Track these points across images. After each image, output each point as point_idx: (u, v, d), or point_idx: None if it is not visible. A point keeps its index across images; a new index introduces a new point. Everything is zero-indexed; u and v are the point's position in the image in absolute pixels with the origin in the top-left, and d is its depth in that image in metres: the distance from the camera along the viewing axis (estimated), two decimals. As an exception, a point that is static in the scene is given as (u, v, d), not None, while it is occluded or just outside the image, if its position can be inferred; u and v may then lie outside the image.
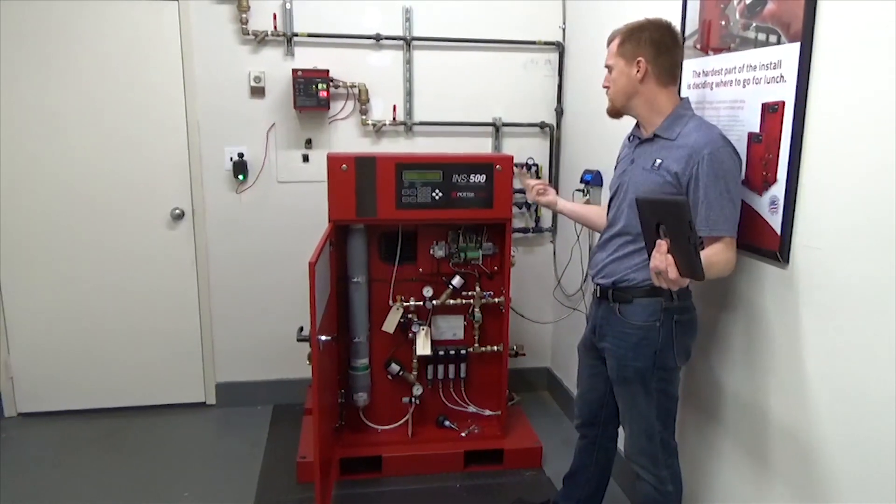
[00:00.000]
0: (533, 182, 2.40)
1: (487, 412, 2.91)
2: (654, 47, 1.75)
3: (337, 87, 3.05)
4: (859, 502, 1.45)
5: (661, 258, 1.42)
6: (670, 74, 1.78)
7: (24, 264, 3.02)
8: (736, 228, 1.68)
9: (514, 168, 2.65)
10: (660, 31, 1.77)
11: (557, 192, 3.31)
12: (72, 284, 3.07)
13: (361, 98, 3.08)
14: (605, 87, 1.90)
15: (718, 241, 1.68)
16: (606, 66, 1.88)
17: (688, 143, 1.70)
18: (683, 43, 2.04)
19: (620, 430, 2.05)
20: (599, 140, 2.80)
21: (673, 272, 1.41)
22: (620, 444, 2.11)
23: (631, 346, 1.83)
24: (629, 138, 1.96)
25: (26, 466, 2.72)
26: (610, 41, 1.87)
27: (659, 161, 1.75)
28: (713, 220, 1.66)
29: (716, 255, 1.67)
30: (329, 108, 3.03)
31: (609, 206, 1.98)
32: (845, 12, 1.44)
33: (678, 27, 2.08)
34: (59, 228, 3.02)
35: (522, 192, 3.29)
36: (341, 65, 3.05)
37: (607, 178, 2.72)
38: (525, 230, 3.34)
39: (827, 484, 1.55)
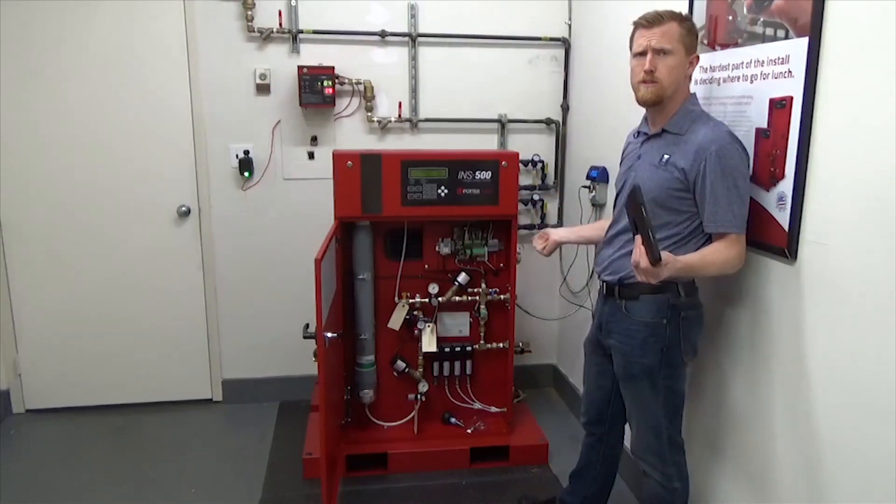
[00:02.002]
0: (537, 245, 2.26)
1: (493, 409, 2.91)
2: (697, 46, 1.75)
3: (342, 84, 3.05)
4: (865, 500, 1.44)
5: (637, 250, 1.51)
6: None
7: (32, 262, 3.03)
8: (744, 225, 1.68)
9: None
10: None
11: (563, 189, 3.33)
12: (79, 281, 3.08)
13: (367, 95, 3.08)
14: (650, 70, 1.70)
15: (723, 238, 1.68)
16: (661, 50, 1.68)
17: (696, 140, 1.69)
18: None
19: (627, 427, 2.04)
20: (605, 136, 2.79)
21: (644, 261, 1.49)
22: (627, 442, 2.10)
23: (638, 343, 1.82)
24: (635, 134, 1.95)
25: (34, 462, 2.74)
26: (658, 20, 1.68)
27: (667, 157, 1.74)
28: (720, 216, 1.66)
29: (713, 254, 1.68)
30: (334, 105, 3.03)
31: (615, 203, 1.98)
32: (853, 6, 1.43)
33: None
34: (66, 226, 3.03)
35: (528, 188, 3.29)
36: (346, 62, 3.05)
37: (613, 175, 2.71)
38: (531, 227, 3.33)
39: (833, 481, 1.54)
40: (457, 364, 2.85)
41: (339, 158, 2.51)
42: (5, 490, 2.52)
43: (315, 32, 3.01)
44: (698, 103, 1.80)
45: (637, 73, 1.75)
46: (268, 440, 2.94)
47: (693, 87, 2.02)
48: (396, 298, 2.75)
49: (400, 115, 3.15)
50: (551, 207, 3.36)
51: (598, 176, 2.78)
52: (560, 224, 3.36)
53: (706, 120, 1.73)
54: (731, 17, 1.86)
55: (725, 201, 1.65)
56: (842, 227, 1.48)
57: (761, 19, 1.73)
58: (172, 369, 3.23)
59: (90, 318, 3.12)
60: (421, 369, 2.81)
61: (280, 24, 2.98)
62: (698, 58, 1.75)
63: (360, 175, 2.51)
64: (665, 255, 1.55)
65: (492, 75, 3.20)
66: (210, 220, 3.13)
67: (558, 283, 3.37)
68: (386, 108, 3.15)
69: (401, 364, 2.80)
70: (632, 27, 1.79)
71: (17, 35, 2.84)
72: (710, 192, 1.66)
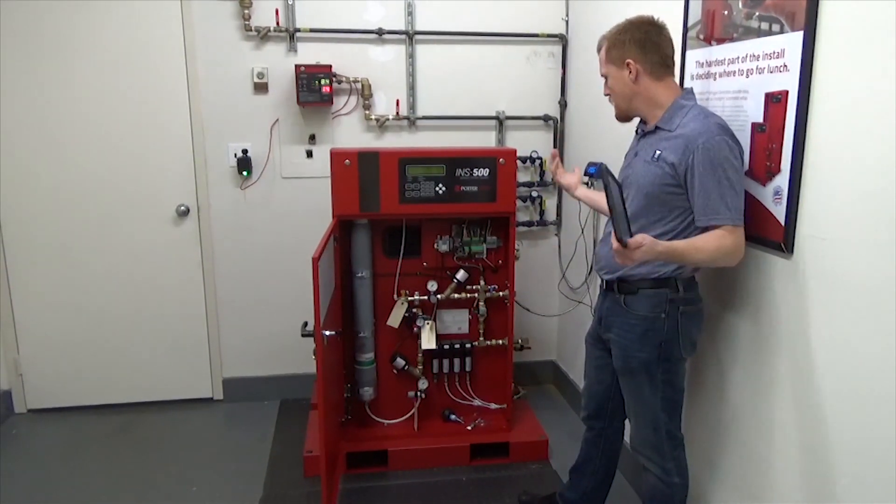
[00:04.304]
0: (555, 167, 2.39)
1: (493, 406, 2.91)
2: (639, 45, 1.76)
3: (340, 82, 3.05)
4: (866, 496, 1.45)
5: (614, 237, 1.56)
6: (662, 66, 1.78)
7: (32, 262, 3.04)
8: (740, 216, 1.66)
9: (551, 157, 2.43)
10: (641, 29, 1.77)
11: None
12: (79, 281, 3.09)
13: (364, 93, 3.08)
14: (606, 94, 1.91)
15: (717, 229, 1.67)
16: (602, 76, 1.88)
17: (684, 134, 1.69)
18: (685, 32, 2.03)
19: (627, 422, 2.05)
20: (603, 132, 2.79)
21: (614, 242, 1.52)
22: (627, 437, 2.10)
23: (636, 337, 1.82)
24: (636, 131, 1.96)
25: (36, 462, 2.75)
26: (599, 49, 1.87)
27: (658, 152, 1.75)
28: (711, 208, 1.66)
29: (704, 241, 1.66)
30: (332, 103, 3.03)
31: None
32: (849, 0, 1.43)
33: (677, 19, 2.08)
34: (66, 226, 3.03)
35: (527, 185, 3.29)
36: (344, 60, 3.05)
37: (612, 171, 2.71)
38: (529, 223, 3.33)
39: (833, 476, 1.54)
40: (456, 361, 2.85)
41: (336, 157, 2.52)
42: (7, 489, 2.53)
43: (312, 31, 3.02)
44: (693, 98, 1.80)
45: None
46: (268, 438, 2.95)
47: (689, 83, 2.03)
48: (395, 296, 2.76)
49: (398, 113, 3.16)
50: (550, 204, 3.36)
51: (595, 172, 2.77)
52: (560, 222, 3.36)
53: (696, 113, 1.73)
54: (726, 13, 1.86)
55: (717, 193, 1.64)
56: (838, 220, 1.48)
57: (756, 14, 1.73)
58: (173, 368, 3.24)
59: (91, 318, 3.13)
60: (420, 366, 2.81)
61: (277, 23, 2.99)
62: (630, 62, 1.77)
63: (358, 173, 2.52)
64: (640, 237, 1.55)
65: (489, 72, 3.20)
66: (209, 219, 3.13)
67: (557, 279, 3.38)
68: (384, 105, 3.15)
69: (400, 361, 2.80)
70: None
71: (16, 35, 2.84)
72: (699, 185, 1.66)
